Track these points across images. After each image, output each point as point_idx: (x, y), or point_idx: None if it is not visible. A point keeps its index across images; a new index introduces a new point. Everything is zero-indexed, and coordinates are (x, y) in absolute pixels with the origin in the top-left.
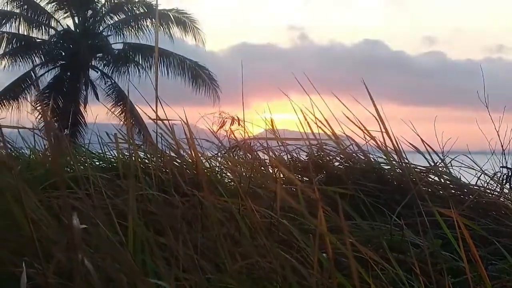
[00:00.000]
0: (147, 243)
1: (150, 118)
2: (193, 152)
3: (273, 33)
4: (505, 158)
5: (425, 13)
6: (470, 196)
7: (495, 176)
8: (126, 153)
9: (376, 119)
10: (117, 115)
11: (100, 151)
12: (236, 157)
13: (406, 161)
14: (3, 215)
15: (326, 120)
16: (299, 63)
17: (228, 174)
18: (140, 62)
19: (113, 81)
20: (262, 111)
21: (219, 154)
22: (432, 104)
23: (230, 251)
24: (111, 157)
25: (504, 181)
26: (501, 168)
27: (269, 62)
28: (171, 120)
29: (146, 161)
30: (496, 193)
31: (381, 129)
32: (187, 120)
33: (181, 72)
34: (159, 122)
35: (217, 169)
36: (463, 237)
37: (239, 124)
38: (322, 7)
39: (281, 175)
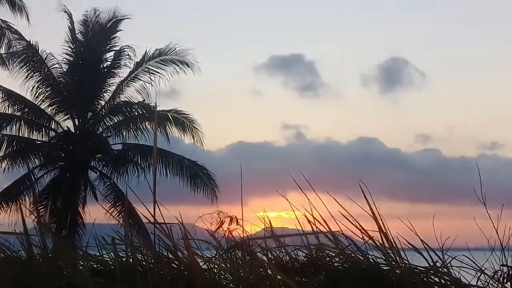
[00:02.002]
0: None
1: (149, 220)
2: (189, 255)
3: (269, 132)
4: (504, 256)
5: (418, 111)
6: None
7: (495, 275)
8: (124, 255)
9: (375, 219)
10: (116, 216)
11: (98, 253)
12: (234, 258)
13: (405, 261)
14: None
15: (324, 220)
16: (295, 162)
17: (227, 275)
18: (139, 162)
19: (112, 181)
20: (260, 210)
21: (217, 255)
22: (429, 200)
23: None
24: (108, 259)
25: (505, 280)
26: (501, 267)
27: (266, 161)
28: (169, 223)
29: (144, 263)
30: None
31: (379, 229)
32: (182, 222)
33: (180, 172)
34: (160, 224)
35: (215, 270)
36: None
37: (237, 223)
38: (315, 107)
39: (279, 277)
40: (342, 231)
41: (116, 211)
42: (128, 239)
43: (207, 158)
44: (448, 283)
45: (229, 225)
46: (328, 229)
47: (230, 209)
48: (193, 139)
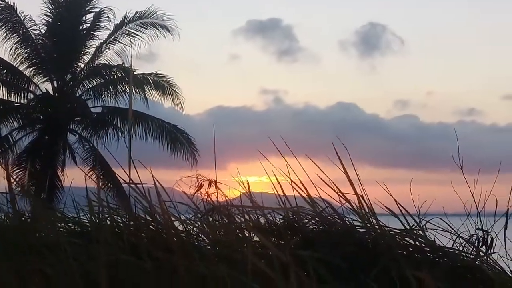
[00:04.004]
0: None
1: (124, 181)
2: (165, 216)
3: (247, 97)
4: (480, 221)
5: (396, 77)
6: (445, 260)
7: (471, 239)
8: (101, 216)
9: (349, 181)
10: (95, 179)
11: (76, 215)
12: (212, 221)
13: (381, 224)
14: None
15: (302, 183)
16: (274, 126)
17: (204, 237)
18: (119, 126)
19: (91, 145)
20: (239, 174)
21: (195, 217)
22: (407, 166)
23: None
24: (86, 221)
25: (480, 243)
26: (476, 231)
27: (245, 125)
28: (145, 183)
29: (121, 224)
30: (472, 256)
31: (354, 191)
32: (155, 183)
33: (160, 135)
34: (137, 185)
35: (193, 232)
36: None
37: (216, 187)
38: (293, 71)
39: (256, 239)
40: (320, 195)
41: (95, 174)
42: (103, 200)
43: (187, 122)
44: (423, 245)
45: (207, 188)
46: (306, 193)
47: (210, 173)
48: (173, 103)
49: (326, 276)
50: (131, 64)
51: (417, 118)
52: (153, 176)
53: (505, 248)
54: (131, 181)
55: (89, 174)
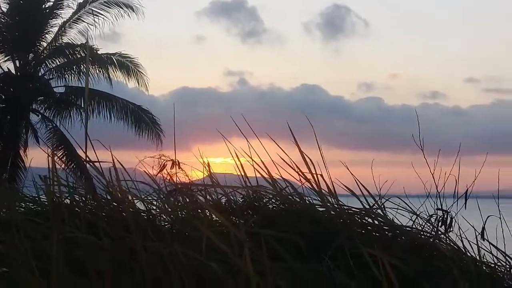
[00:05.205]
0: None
1: (83, 159)
2: (123, 195)
3: (212, 78)
4: (440, 201)
5: (361, 59)
6: (403, 238)
7: (431, 219)
8: (59, 195)
9: (305, 162)
10: (57, 159)
11: (36, 195)
12: (174, 200)
13: (341, 203)
14: None
15: (264, 164)
16: (239, 107)
17: (165, 216)
18: (82, 106)
19: (54, 125)
20: (204, 155)
21: (157, 197)
22: (370, 148)
23: None
24: (45, 200)
25: (440, 223)
26: (436, 211)
27: (210, 106)
28: (103, 161)
29: (81, 204)
30: (430, 235)
31: (309, 172)
32: (114, 162)
33: (124, 116)
34: (99, 165)
35: (154, 212)
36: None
37: (179, 167)
38: (258, 53)
39: (215, 218)
40: (281, 175)
41: (59, 154)
42: (63, 180)
43: (151, 103)
44: (382, 224)
45: (170, 169)
46: (267, 173)
47: (176, 154)
48: (138, 83)
49: (284, 254)
50: (87, 39)
51: (382, 100)
52: (112, 155)
53: (460, 227)
54: (87, 159)
55: (51, 155)
